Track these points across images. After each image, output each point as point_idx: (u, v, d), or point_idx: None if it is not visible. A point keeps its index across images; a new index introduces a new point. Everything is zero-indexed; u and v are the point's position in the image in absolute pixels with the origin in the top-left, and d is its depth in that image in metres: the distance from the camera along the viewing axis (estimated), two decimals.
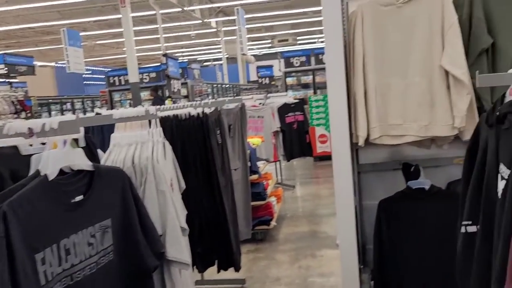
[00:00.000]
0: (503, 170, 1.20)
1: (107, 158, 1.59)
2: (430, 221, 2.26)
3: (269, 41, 21.62)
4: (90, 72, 24.79)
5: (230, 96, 14.70)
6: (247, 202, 3.20)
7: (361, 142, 2.31)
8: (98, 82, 24.53)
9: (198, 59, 27.96)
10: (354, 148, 2.55)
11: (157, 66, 11.02)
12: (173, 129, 2.39)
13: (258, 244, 4.32)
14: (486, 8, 2.15)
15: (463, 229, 1.47)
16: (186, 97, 10.79)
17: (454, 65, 2.14)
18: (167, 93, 9.17)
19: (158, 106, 2.47)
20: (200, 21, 15.65)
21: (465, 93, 2.13)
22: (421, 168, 2.37)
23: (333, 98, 2.31)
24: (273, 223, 4.40)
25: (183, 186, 1.87)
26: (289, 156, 6.04)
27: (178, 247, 1.51)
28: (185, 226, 1.64)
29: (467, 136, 2.20)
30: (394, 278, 2.32)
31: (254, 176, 4.13)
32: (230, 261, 2.62)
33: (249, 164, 4.07)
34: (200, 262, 2.57)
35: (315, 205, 5.69)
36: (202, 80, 12.52)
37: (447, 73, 2.18)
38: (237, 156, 3.13)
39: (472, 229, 1.44)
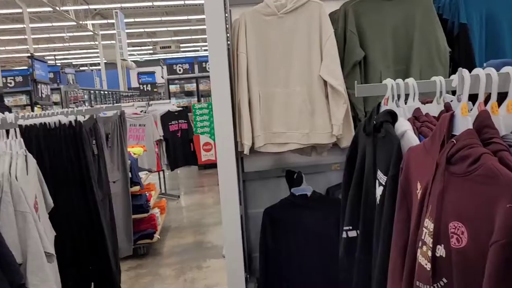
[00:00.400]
0: (381, 177, 1.25)
1: None
2: (313, 227, 2.32)
3: (151, 47, 21.07)
4: None
5: (110, 103, 13.93)
6: (128, 216, 3.00)
7: (246, 150, 2.30)
8: None
9: (73, 63, 26.12)
10: (239, 157, 2.54)
11: (24, 69, 10.00)
12: (40, 139, 2.13)
13: (141, 259, 4.09)
14: (358, 23, 2.29)
15: (344, 234, 1.51)
16: (56, 104, 9.95)
17: (331, 76, 2.23)
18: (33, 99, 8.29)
19: (18, 115, 2.17)
20: (75, 23, 14.63)
21: (342, 103, 2.24)
22: (303, 174, 2.43)
23: (217, 106, 2.26)
24: (156, 236, 4.21)
25: (51, 203, 1.66)
26: (173, 165, 5.87)
27: (42, 275, 1.31)
28: (51, 251, 1.44)
29: (344, 143, 2.32)
30: (279, 285, 2.34)
31: (136, 188, 3.91)
32: (108, 282, 2.41)
33: (130, 175, 3.85)
34: (74, 286, 2.31)
35: (200, 215, 5.60)
36: (77, 85, 11.66)
37: (325, 83, 2.27)
38: (116, 167, 2.91)
39: (353, 234, 1.49)
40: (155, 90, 10.87)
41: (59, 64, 15.30)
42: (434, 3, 2.36)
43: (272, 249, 2.35)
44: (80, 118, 2.29)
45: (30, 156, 1.53)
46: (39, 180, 1.58)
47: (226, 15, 2.41)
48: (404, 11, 2.27)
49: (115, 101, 16.04)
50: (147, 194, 4.22)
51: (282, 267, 2.33)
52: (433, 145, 0.89)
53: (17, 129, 1.49)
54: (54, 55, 22.14)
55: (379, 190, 1.27)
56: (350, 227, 1.49)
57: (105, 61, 19.78)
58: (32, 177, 1.50)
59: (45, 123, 2.18)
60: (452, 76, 1.09)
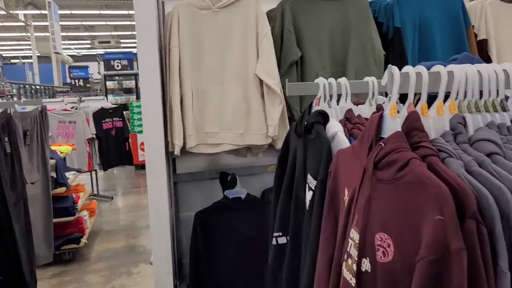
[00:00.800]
0: (310, 181, 1.18)
1: None
2: (246, 231, 2.23)
3: (89, 41, 20.17)
4: None
5: (45, 99, 13.11)
6: (48, 220, 2.76)
7: (177, 151, 2.17)
8: None
9: (2, 55, 24.46)
10: (171, 157, 2.41)
11: None
12: None
13: (65, 265, 3.80)
14: (295, 22, 2.24)
15: (274, 241, 1.43)
16: None
17: (267, 75, 2.16)
18: None
19: None
20: (5, 12, 13.67)
21: (278, 103, 2.17)
22: (237, 176, 2.34)
23: (146, 103, 2.13)
24: (83, 240, 3.95)
25: None
26: (106, 165, 5.58)
27: None
28: None
29: (280, 144, 2.26)
30: None
31: (61, 189, 3.64)
32: None
33: (54, 175, 3.58)
34: None
35: (134, 217, 5.35)
36: (4, 79, 10.87)
37: (261, 82, 2.19)
38: (35, 167, 2.67)
39: (282, 240, 1.41)
40: (88, 85, 10.37)
41: None
42: (370, 6, 2.36)
43: (203, 254, 2.24)
44: None
45: None
46: None
47: (159, 6, 2.28)
48: (341, 11, 2.25)
49: (47, 97, 15.16)
50: (74, 196, 3.94)
51: (213, 273, 2.23)
52: (361, 148, 0.82)
53: None
54: None
55: (308, 195, 1.20)
56: (280, 233, 1.40)
57: (38, 54, 18.68)
58: None
59: None
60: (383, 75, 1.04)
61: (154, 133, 2.14)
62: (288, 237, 1.37)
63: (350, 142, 1.12)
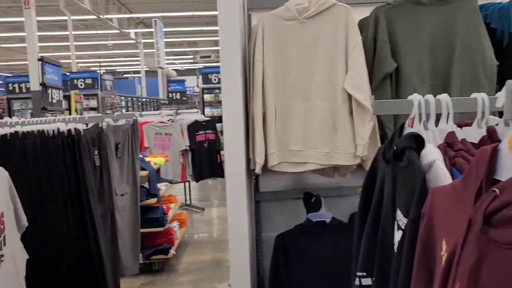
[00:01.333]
0: (400, 218, 0.98)
1: None
2: (330, 258, 2.05)
3: (191, 56, 21.26)
4: None
5: (149, 111, 14.04)
6: (136, 232, 2.81)
7: (258, 169, 2.06)
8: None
9: (117, 70, 26.79)
10: (253, 175, 2.31)
11: (64, 74, 10.20)
12: (37, 147, 1.98)
13: (154, 275, 3.89)
14: (391, 30, 2.02)
15: (357, 281, 1.24)
16: (94, 109, 10.04)
17: (357, 89, 1.98)
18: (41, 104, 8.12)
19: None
20: (118, 31, 14.93)
21: (368, 120, 1.97)
22: (322, 198, 2.17)
23: (228, 119, 2.05)
24: (172, 252, 4.01)
25: (24, 223, 1.47)
26: (198, 177, 5.69)
27: None
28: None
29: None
30: None
31: (153, 200, 3.74)
32: None
33: (147, 186, 3.69)
34: None
35: (223, 230, 5.37)
36: (114, 92, 11.81)
37: (350, 97, 2.01)
38: (125, 179, 2.74)
39: (367, 282, 1.22)
40: (184, 98, 10.82)
41: (102, 71, 15.59)
42: (481, 11, 2.05)
43: (283, 279, 2.09)
44: (82, 127, 2.13)
45: (1, 169, 1.35)
46: (11, 196, 1.40)
47: (245, 18, 2.21)
48: (444, 17, 1.98)
49: (153, 109, 16.22)
50: (165, 207, 4.04)
51: None
52: (465, 190, 0.62)
53: None
54: (99, 62, 22.75)
55: (397, 235, 1.00)
56: (364, 273, 1.21)
57: (146, 68, 20.12)
58: None
59: (43, 130, 2.03)
60: (498, 94, 0.82)
61: (235, 150, 2.05)
62: (373, 279, 1.18)
63: (452, 174, 0.91)
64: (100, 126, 2.34)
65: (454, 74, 1.98)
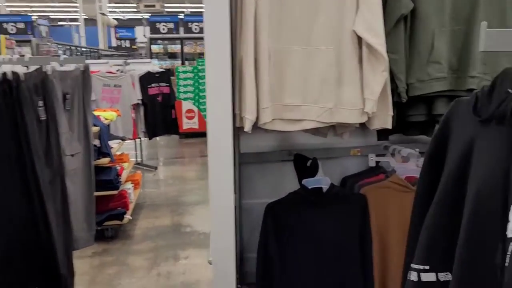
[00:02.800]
0: None
1: None
2: (328, 233, 1.79)
3: (134, 5, 19.95)
4: None
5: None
6: (90, 198, 2.40)
7: (247, 127, 1.70)
8: None
9: (50, 16, 24.67)
10: (237, 134, 1.96)
11: None
12: None
13: (108, 243, 3.50)
14: None
15: (413, 276, 0.95)
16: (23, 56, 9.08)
17: (370, 32, 1.65)
18: None
19: None
20: None
21: (381, 70, 1.66)
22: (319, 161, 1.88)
23: (212, 66, 1.66)
24: (127, 216, 3.62)
25: None
26: (151, 133, 5.26)
27: None
28: None
29: (377, 124, 1.77)
30: None
31: (105, 160, 3.30)
32: None
33: (98, 144, 3.24)
34: None
35: (179, 191, 5.02)
36: (51, 39, 10.74)
37: (360, 42, 1.68)
38: (76, 136, 2.29)
39: (429, 277, 0.93)
40: (133, 47, 10.07)
41: (36, 17, 14.16)
42: None
43: (275, 257, 1.81)
44: (21, 70, 1.66)
45: None
46: None
47: None
48: None
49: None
50: (118, 168, 3.60)
51: (288, 280, 1.80)
52: None
53: None
54: (31, 6, 20.80)
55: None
56: (427, 267, 0.92)
57: (85, 16, 18.63)
58: None
59: None
60: None
61: (220, 104, 1.68)
62: (443, 274, 0.90)
63: None
64: (44, 71, 1.86)
65: (478, 19, 1.71)
